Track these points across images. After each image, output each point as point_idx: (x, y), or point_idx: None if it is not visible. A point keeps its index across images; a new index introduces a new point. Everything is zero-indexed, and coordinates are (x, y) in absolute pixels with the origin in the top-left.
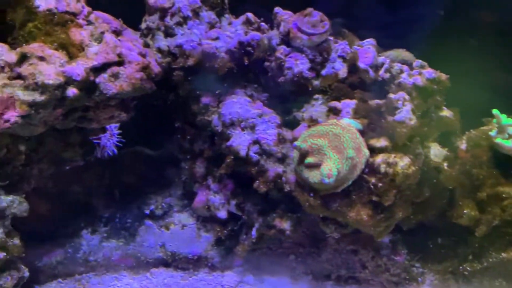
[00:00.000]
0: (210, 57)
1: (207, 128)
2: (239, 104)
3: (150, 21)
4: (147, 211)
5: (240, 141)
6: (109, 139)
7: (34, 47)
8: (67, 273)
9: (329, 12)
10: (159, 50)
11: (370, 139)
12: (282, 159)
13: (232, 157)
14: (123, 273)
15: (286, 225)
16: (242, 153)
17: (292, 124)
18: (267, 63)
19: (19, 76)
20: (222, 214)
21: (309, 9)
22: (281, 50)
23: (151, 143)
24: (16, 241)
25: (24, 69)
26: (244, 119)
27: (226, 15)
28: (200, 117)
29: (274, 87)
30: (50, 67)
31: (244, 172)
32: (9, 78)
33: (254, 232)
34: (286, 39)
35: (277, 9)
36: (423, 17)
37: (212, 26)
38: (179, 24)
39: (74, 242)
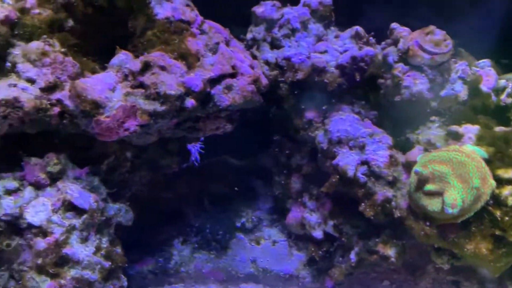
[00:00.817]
0: (320, 71)
1: (308, 144)
2: (348, 121)
3: (256, 31)
4: (238, 224)
5: (347, 160)
6: (193, 146)
7: (156, 56)
8: (157, 283)
9: None
10: (266, 62)
11: (496, 169)
12: (393, 183)
13: (337, 176)
14: (211, 286)
15: (390, 252)
16: (350, 173)
17: (404, 146)
18: (381, 80)
19: (141, 85)
20: (318, 234)
21: (431, 27)
22: (399, 68)
23: (237, 152)
24: (119, 249)
25: (147, 78)
26: (353, 138)
27: (332, 28)
28: (303, 132)
29: (386, 106)
30: (171, 77)
31: (345, 193)
32: (132, 87)
33: (353, 256)
34: (405, 57)
35: (394, 24)
36: None
37: (319, 38)
38: (287, 36)
39: (165, 251)
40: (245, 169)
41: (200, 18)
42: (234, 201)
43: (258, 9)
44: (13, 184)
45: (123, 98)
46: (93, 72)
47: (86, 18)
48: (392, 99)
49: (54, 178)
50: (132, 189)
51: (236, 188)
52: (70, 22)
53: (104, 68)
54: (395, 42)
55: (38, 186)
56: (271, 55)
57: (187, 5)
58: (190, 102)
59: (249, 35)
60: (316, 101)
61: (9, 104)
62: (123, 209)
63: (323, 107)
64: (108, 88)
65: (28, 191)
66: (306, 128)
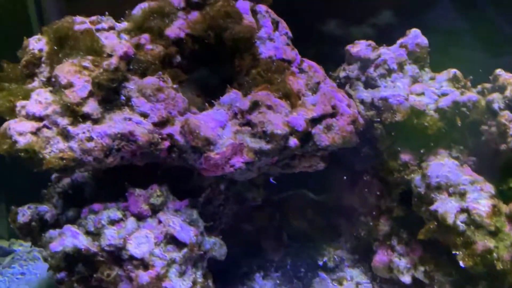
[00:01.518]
0: (419, 114)
1: (400, 186)
2: (448, 167)
3: (349, 70)
4: (321, 262)
5: (447, 207)
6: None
7: (263, 96)
8: None
9: None
10: (362, 101)
11: None
12: (495, 233)
13: (435, 223)
14: None
15: None
16: (449, 220)
17: (507, 195)
18: (484, 127)
19: (249, 123)
20: (406, 279)
21: None
22: (506, 115)
23: (315, 186)
24: (211, 283)
25: (254, 117)
26: (454, 185)
27: (426, 69)
28: (396, 174)
29: (487, 153)
30: (277, 116)
31: (438, 239)
32: (240, 125)
33: None
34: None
35: (499, 71)
36: None
37: (415, 80)
38: (383, 76)
39: (247, 285)
40: (325, 205)
41: (299, 57)
42: (314, 237)
43: (353, 49)
44: (117, 214)
45: (233, 136)
46: (198, 107)
47: (193, 54)
48: (496, 147)
49: (155, 210)
50: (223, 221)
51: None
52: (178, 58)
53: (209, 103)
54: (501, 89)
55: (140, 217)
56: (367, 94)
57: (288, 44)
58: (293, 141)
59: (342, 73)
60: (413, 143)
61: (124, 137)
62: (218, 243)
63: (421, 150)
64: (219, 125)
65: (131, 222)
66: (401, 170)
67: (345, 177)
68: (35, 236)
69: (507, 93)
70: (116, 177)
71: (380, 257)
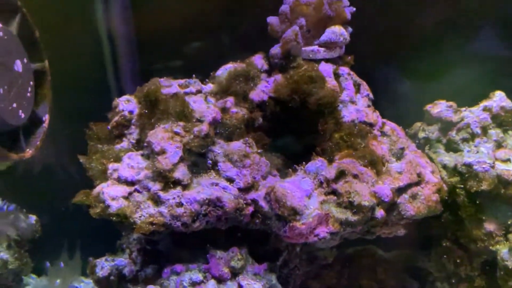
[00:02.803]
0: (507, 184)
1: (482, 256)
2: None
3: (429, 131)
4: None
5: None
6: None
7: (348, 164)
8: None
9: None
10: (444, 166)
11: None
12: None
13: None
14: None
15: None
16: None
17: None
18: None
19: (334, 192)
20: None
21: None
22: None
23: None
24: None
25: (340, 186)
26: None
27: (510, 132)
28: (480, 244)
29: None
30: (363, 187)
31: None
32: (325, 194)
33: None
34: None
35: None
36: None
37: (499, 144)
38: (465, 140)
39: None
40: (395, 264)
41: (381, 119)
42: None
43: (433, 109)
44: (198, 276)
45: (319, 206)
46: (278, 169)
47: (274, 116)
48: None
49: (235, 273)
50: (297, 283)
51: None
52: (260, 120)
53: (290, 167)
54: None
55: (220, 280)
56: (449, 159)
57: (369, 106)
58: (380, 212)
59: (421, 134)
60: (499, 214)
61: (212, 203)
62: None
63: (508, 221)
64: (305, 195)
65: (212, 285)
66: (485, 240)
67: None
68: None
69: None
70: (194, 234)
71: None
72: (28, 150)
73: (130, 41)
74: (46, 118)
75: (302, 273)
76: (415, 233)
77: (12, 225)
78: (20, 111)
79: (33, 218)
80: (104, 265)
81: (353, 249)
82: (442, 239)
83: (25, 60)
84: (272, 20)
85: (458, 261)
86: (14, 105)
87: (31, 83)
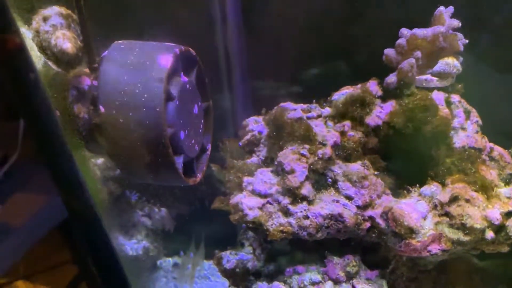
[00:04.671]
0: None
1: None
2: None
3: None
4: None
5: None
6: None
7: (460, 189)
8: None
9: None
10: None
11: None
12: None
13: None
14: None
15: None
16: None
17: None
18: None
19: (447, 214)
20: None
21: None
22: None
23: None
24: None
25: (453, 209)
26: None
27: None
28: None
29: None
30: (475, 210)
31: None
32: (439, 216)
33: None
34: None
35: None
36: None
37: None
38: None
39: None
40: (490, 273)
41: (489, 145)
42: None
43: None
44: (317, 277)
45: (434, 227)
46: (390, 189)
47: (387, 140)
48: None
49: (350, 277)
50: None
51: None
52: (375, 143)
53: (402, 188)
54: None
55: (336, 282)
56: None
57: (477, 132)
58: (490, 234)
59: None
60: None
61: (333, 218)
62: None
63: None
64: (421, 216)
65: (329, 285)
66: None
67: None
68: (237, 280)
69: None
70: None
71: None
72: (198, 175)
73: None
74: (209, 147)
75: (408, 279)
76: None
77: (147, 216)
78: (196, 145)
79: (164, 210)
80: (229, 258)
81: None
82: None
83: (199, 103)
84: (389, 52)
85: None
86: (192, 141)
87: (202, 121)
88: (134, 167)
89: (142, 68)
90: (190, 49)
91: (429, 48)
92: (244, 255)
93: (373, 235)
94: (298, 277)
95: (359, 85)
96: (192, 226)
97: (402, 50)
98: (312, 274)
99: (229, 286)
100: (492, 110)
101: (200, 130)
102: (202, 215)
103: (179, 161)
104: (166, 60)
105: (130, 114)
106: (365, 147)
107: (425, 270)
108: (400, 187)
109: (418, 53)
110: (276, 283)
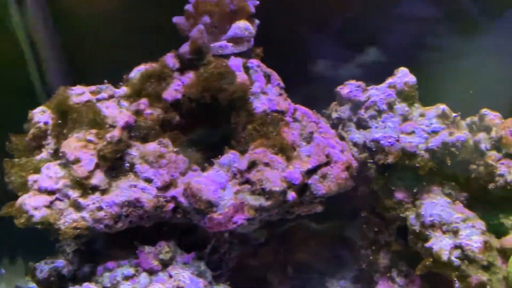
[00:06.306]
0: (411, 155)
1: (396, 222)
2: (440, 206)
3: (341, 111)
4: None
5: (441, 245)
6: None
7: (259, 154)
8: None
9: None
10: (355, 144)
11: None
12: (487, 267)
13: (431, 259)
14: None
15: None
16: (444, 257)
17: (497, 230)
18: (473, 167)
19: (248, 181)
20: None
21: None
22: (492, 156)
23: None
24: None
25: (253, 176)
26: (447, 223)
27: (416, 105)
28: (392, 212)
29: (477, 191)
30: (274, 173)
31: (436, 272)
32: (239, 184)
33: None
34: (497, 144)
35: (484, 111)
36: None
37: (405, 118)
38: (373, 117)
39: None
40: (328, 235)
41: (292, 106)
42: (319, 269)
43: (343, 90)
44: (130, 271)
45: (234, 196)
46: (199, 163)
47: (190, 113)
48: (484, 184)
49: (165, 264)
50: (229, 266)
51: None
52: (177, 118)
53: (209, 162)
54: (487, 129)
55: (152, 272)
56: (359, 136)
57: (280, 95)
58: (291, 195)
59: (334, 115)
60: (406, 183)
61: (131, 204)
62: None
63: (414, 190)
64: (220, 187)
65: (143, 277)
66: (396, 208)
67: (345, 211)
68: None
69: (493, 134)
70: (126, 234)
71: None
72: None
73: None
74: None
75: (237, 255)
76: (343, 206)
77: None
78: None
79: None
80: (43, 268)
81: (288, 225)
82: (362, 210)
83: None
84: (178, 20)
85: (376, 229)
86: None
87: None
88: None
89: None
90: None
91: (218, 12)
92: (60, 262)
93: (178, 216)
94: (110, 274)
95: None
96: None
97: (191, 17)
98: (123, 269)
99: None
100: None
101: None
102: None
103: None
104: None
105: None
106: (168, 124)
107: (262, 243)
108: (208, 162)
109: (206, 18)
110: (86, 284)
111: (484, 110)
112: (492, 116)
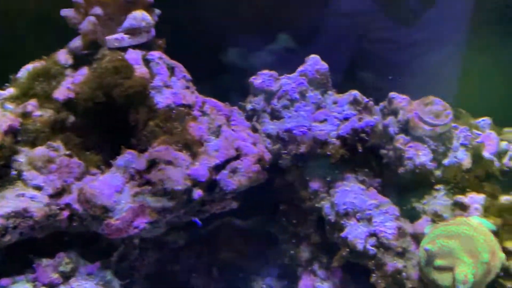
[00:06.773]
0: (322, 144)
1: (314, 213)
2: (354, 193)
3: (255, 102)
4: None
5: (356, 233)
6: None
7: (161, 151)
8: None
9: None
10: (268, 135)
11: (504, 241)
12: (402, 254)
13: (347, 249)
14: None
15: None
16: (359, 246)
17: (410, 214)
18: (383, 151)
19: (148, 182)
20: None
21: (431, 98)
22: (401, 139)
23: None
24: None
25: (153, 176)
26: (360, 211)
27: (330, 92)
28: (308, 203)
29: (390, 176)
30: (177, 171)
31: (355, 262)
32: (139, 185)
33: None
34: (405, 127)
35: (393, 94)
36: None
37: (318, 106)
38: (286, 107)
39: None
40: (252, 232)
41: (201, 99)
42: (244, 267)
43: (256, 81)
44: (26, 286)
45: (132, 199)
46: (99, 166)
47: (87, 112)
48: (395, 169)
49: (67, 276)
50: (142, 273)
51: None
52: (72, 118)
53: (108, 164)
54: (395, 113)
55: (51, 286)
56: (272, 127)
57: (187, 87)
58: (197, 193)
59: (249, 106)
60: (320, 172)
61: (19, 215)
62: None
63: (328, 178)
64: (116, 191)
65: None
66: (312, 198)
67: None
68: None
69: (399, 117)
70: (21, 248)
71: (304, 283)
72: None
73: None
74: None
75: (152, 261)
76: (265, 200)
77: None
78: None
79: None
80: None
81: (212, 224)
82: (280, 203)
83: None
84: (66, 12)
85: (295, 221)
86: None
87: None
88: None
89: None
90: None
91: (113, 3)
92: None
93: (75, 224)
94: None
95: None
96: None
97: (82, 8)
98: (19, 285)
99: None
100: None
101: None
102: None
103: None
104: None
105: None
106: (61, 125)
107: (183, 246)
108: (106, 163)
109: (97, 9)
110: None
111: (392, 94)
112: (399, 99)
